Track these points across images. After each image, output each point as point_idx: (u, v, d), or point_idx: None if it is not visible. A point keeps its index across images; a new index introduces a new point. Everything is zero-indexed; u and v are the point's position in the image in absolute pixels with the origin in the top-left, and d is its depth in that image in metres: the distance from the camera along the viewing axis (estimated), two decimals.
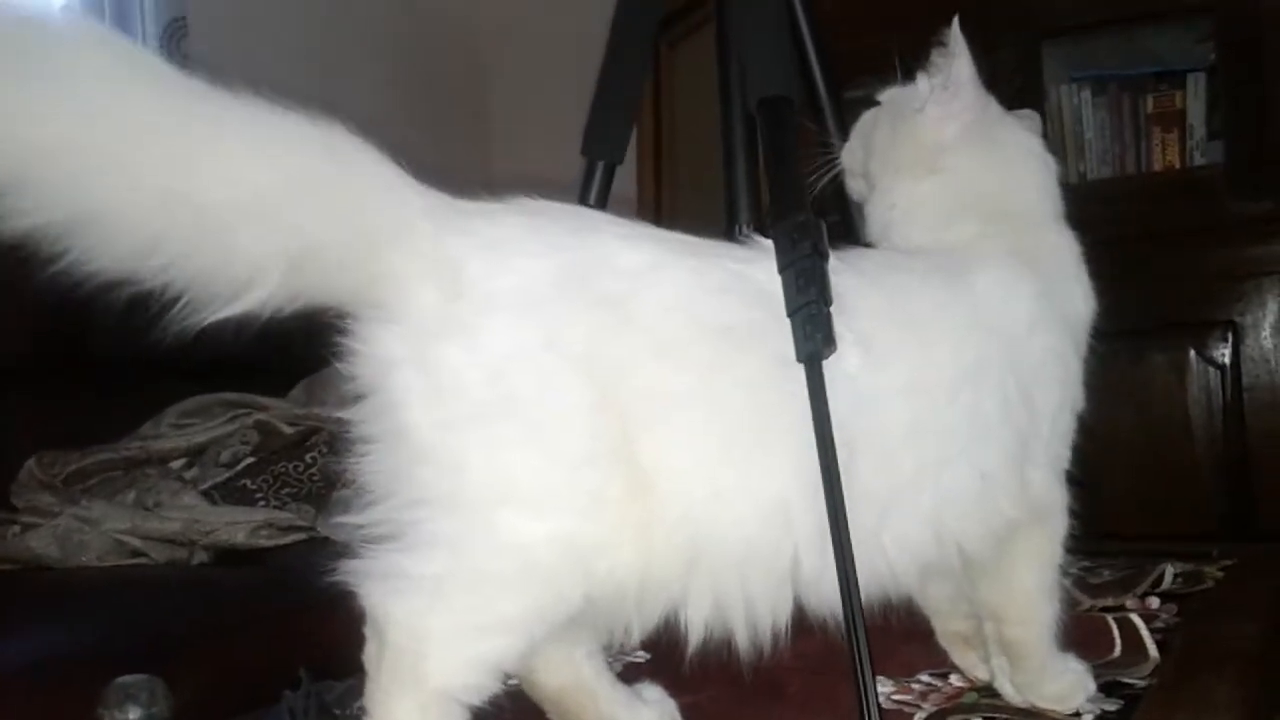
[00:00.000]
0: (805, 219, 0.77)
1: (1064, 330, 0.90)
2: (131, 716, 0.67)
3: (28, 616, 1.32)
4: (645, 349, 0.73)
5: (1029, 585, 0.90)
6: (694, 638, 0.77)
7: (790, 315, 0.78)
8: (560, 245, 0.75)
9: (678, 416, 0.74)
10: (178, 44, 2.23)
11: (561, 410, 0.71)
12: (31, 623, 1.28)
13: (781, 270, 0.79)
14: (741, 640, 0.78)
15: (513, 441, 0.71)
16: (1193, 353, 2.32)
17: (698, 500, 0.74)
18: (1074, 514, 0.92)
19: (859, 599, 0.75)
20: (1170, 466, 2.31)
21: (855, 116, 1.01)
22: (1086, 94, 2.50)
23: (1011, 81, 2.42)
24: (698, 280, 0.77)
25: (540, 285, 0.73)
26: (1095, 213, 2.36)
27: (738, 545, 0.75)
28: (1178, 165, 2.41)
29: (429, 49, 3.04)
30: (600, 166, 1.04)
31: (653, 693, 0.92)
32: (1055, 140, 2.48)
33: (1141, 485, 2.27)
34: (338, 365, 0.76)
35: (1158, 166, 2.43)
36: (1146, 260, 2.24)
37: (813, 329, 0.77)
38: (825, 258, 0.77)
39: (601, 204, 1.04)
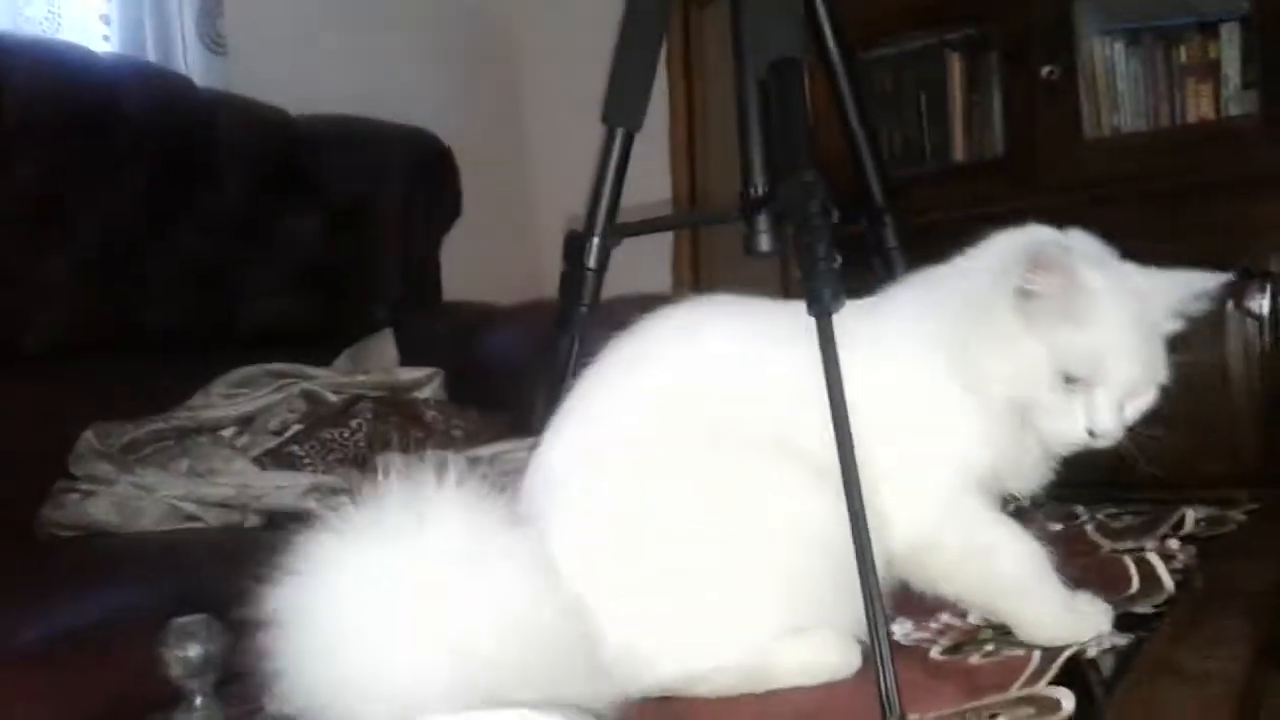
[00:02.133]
0: (812, 178, 0.80)
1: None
2: (190, 653, 0.72)
3: (94, 577, 1.39)
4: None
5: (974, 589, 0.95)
6: None
7: (802, 273, 0.82)
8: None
9: None
10: (213, 22, 2.29)
11: None
12: (97, 583, 1.35)
13: (794, 229, 0.83)
14: None
15: None
16: (1230, 304, 2.31)
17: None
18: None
19: (869, 539, 0.79)
20: (1207, 418, 2.31)
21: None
22: (1120, 46, 2.48)
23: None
24: None
25: None
26: (1129, 166, 2.37)
27: None
28: (1212, 116, 2.39)
29: (461, 11, 3.07)
30: (620, 133, 1.08)
31: None
32: (1090, 94, 2.47)
33: (1177, 436, 2.27)
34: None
35: (1192, 118, 2.41)
36: (1181, 213, 2.24)
37: (821, 285, 0.80)
38: (831, 215, 0.80)
39: (621, 169, 1.07)
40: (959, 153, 2.61)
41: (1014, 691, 0.81)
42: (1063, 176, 2.38)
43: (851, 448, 0.79)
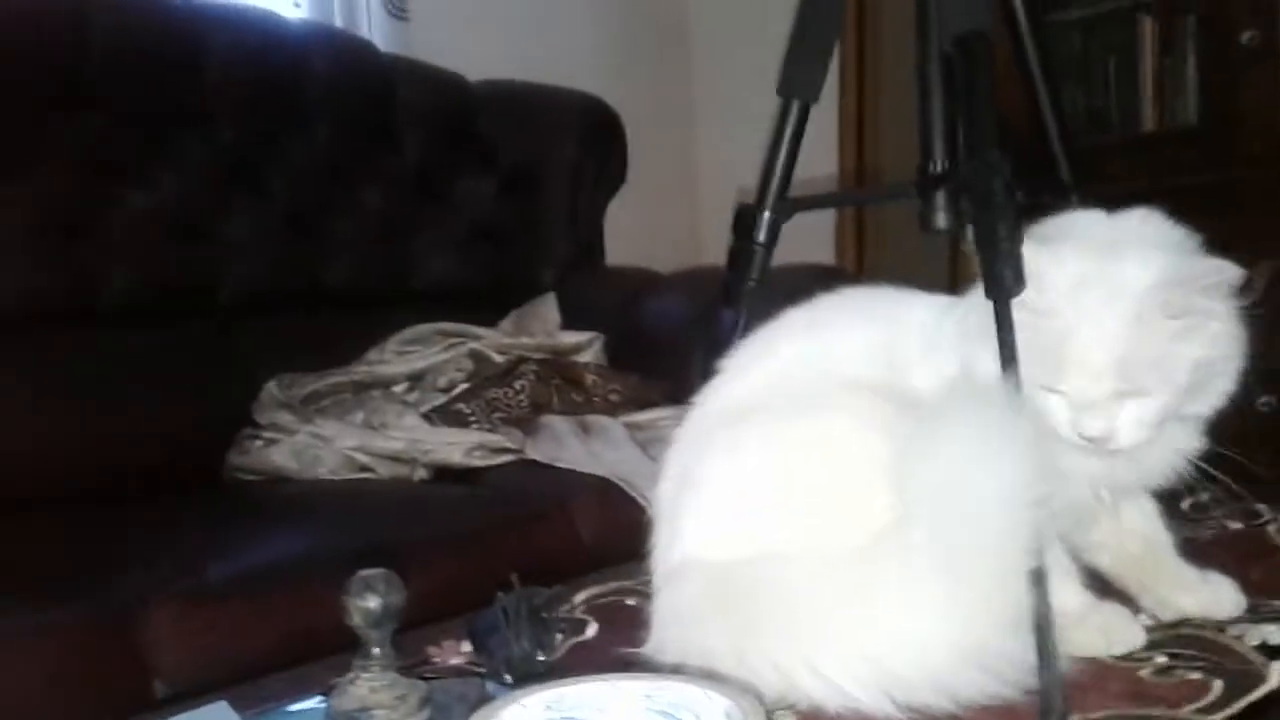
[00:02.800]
0: (996, 157, 0.78)
1: None
2: (371, 603, 0.76)
3: (276, 521, 1.48)
4: None
5: None
6: None
7: (982, 254, 0.80)
8: None
9: None
10: None
11: None
12: (279, 527, 1.44)
13: (975, 208, 0.81)
14: None
15: None
16: None
17: None
18: None
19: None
20: None
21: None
22: None
23: None
24: None
25: None
26: None
27: None
28: None
29: None
30: (795, 105, 1.06)
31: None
32: None
33: None
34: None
35: None
36: None
37: (1002, 266, 0.78)
38: (1014, 194, 0.78)
39: (796, 142, 1.06)
40: (1148, 122, 2.49)
41: (1185, 712, 0.77)
42: (1263, 148, 2.24)
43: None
